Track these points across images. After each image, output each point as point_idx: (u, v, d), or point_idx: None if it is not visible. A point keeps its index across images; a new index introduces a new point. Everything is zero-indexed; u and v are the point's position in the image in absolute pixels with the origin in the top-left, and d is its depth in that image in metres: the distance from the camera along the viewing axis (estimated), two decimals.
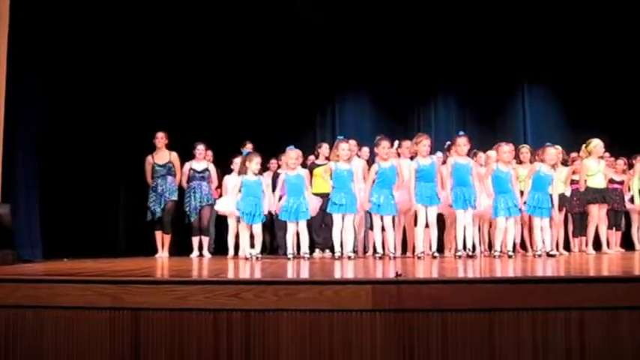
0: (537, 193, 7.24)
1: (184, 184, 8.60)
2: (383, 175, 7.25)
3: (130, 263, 6.15)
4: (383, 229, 7.25)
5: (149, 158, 8.50)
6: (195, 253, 8.44)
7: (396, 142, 8.03)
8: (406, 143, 8.05)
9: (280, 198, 7.47)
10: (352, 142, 8.08)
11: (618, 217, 8.84)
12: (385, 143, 7.35)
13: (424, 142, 7.30)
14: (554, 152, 7.36)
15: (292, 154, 7.40)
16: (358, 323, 3.45)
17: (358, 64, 10.29)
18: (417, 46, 10.22)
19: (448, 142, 7.84)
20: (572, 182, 8.47)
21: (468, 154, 7.52)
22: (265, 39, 9.92)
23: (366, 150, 8.53)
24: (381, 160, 7.32)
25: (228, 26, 9.79)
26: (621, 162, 8.95)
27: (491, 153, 7.88)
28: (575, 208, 8.52)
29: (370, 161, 7.97)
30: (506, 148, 7.44)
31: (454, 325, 3.42)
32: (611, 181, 8.53)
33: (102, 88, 8.65)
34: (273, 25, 9.89)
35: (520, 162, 8.00)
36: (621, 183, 8.83)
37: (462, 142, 7.29)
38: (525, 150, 8.12)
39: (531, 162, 7.80)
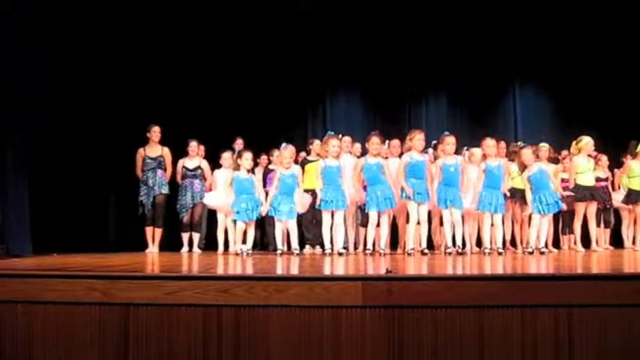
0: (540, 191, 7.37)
1: (179, 181, 8.59)
2: (369, 172, 7.22)
3: (120, 258, 6.14)
4: (377, 224, 7.23)
5: (140, 150, 8.46)
6: (185, 248, 8.45)
7: (386, 142, 7.95)
8: (395, 142, 8.00)
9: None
10: (347, 139, 8.04)
11: (607, 215, 8.87)
12: (376, 139, 7.30)
13: (418, 137, 7.25)
14: (528, 152, 7.49)
15: (286, 153, 7.34)
16: (348, 319, 3.46)
17: (350, 61, 10.27)
18: (409, 43, 10.20)
19: (434, 142, 7.84)
20: (562, 180, 8.49)
21: (459, 152, 7.52)
22: (257, 35, 9.88)
23: (358, 146, 8.51)
24: (369, 156, 7.31)
25: (220, 21, 9.75)
26: (605, 158, 8.93)
27: (475, 150, 7.87)
28: (565, 206, 8.52)
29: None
30: (491, 143, 7.46)
31: (444, 322, 3.44)
32: (597, 178, 8.51)
33: (93, 83, 8.59)
34: (264, 21, 9.85)
35: (513, 159, 8.02)
36: (606, 180, 8.83)
37: (451, 141, 7.26)
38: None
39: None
